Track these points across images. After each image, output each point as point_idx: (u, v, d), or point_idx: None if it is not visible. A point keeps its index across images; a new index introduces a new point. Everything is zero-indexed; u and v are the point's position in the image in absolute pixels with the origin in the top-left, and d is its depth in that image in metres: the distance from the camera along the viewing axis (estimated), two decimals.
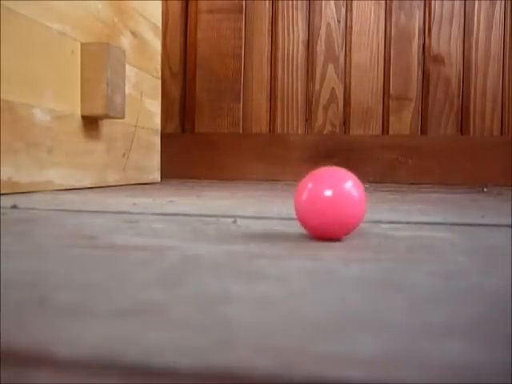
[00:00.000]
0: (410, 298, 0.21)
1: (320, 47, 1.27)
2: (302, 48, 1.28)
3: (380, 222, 0.43)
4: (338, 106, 1.28)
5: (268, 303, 0.20)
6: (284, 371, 0.13)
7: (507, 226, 0.43)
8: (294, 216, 0.48)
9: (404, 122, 1.26)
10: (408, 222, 0.44)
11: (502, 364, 0.14)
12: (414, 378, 0.13)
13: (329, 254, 0.30)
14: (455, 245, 0.34)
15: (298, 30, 1.28)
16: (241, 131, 1.30)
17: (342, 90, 1.27)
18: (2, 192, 0.66)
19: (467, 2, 1.25)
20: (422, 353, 0.15)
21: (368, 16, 1.26)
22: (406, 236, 0.38)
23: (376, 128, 1.26)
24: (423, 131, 1.27)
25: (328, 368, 0.14)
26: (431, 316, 0.18)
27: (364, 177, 1.20)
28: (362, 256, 0.29)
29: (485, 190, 0.99)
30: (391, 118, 1.26)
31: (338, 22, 1.27)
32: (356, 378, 0.13)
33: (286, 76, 1.28)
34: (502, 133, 1.26)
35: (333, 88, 1.27)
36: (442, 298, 0.21)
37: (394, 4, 1.26)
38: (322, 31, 1.27)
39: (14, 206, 0.50)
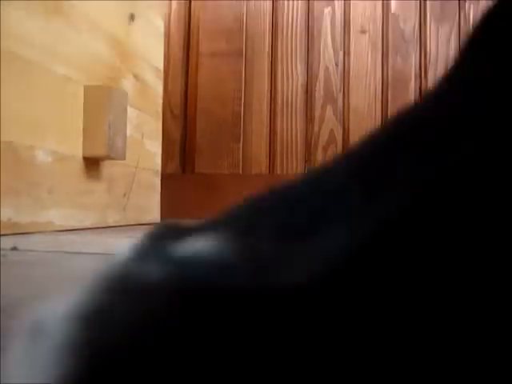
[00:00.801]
0: None
1: (319, 90, 1.29)
2: (300, 91, 1.30)
3: None
4: (336, 147, 1.29)
5: None
6: None
7: None
8: None
9: None
10: None
11: None
12: None
13: None
14: None
15: (297, 74, 1.30)
16: (240, 172, 1.31)
17: (340, 131, 1.29)
18: (2, 233, 0.66)
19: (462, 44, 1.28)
20: None
21: (365, 60, 1.29)
22: None
23: None
24: None
25: None
26: None
27: None
28: None
29: None
30: None
31: (336, 65, 1.29)
32: None
33: (285, 118, 1.30)
34: None
35: (331, 129, 1.29)
36: None
37: (391, 47, 1.29)
38: (321, 75, 1.29)
39: (14, 248, 0.50)
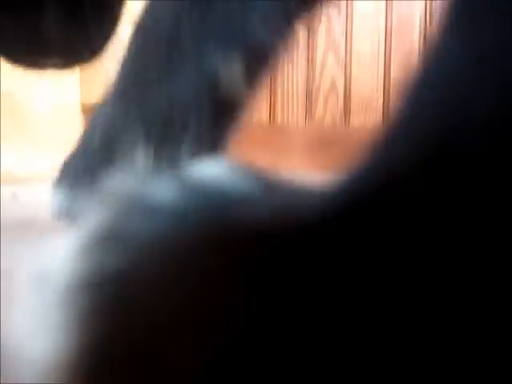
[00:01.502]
0: None
1: (320, 36, 1.27)
2: (301, 37, 1.27)
3: None
4: (338, 95, 1.27)
5: None
6: None
7: None
8: None
9: None
10: None
11: None
12: None
13: None
14: None
15: None
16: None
17: (342, 79, 1.27)
18: (1, 182, 0.66)
19: None
20: None
21: (368, 5, 1.25)
22: None
23: (378, 119, 1.26)
24: None
25: None
26: None
27: None
28: None
29: None
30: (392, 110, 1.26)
31: (339, 10, 1.26)
32: None
33: (285, 65, 1.28)
34: None
35: (333, 77, 1.27)
36: None
37: None
38: (323, 20, 1.26)
39: (14, 196, 0.50)
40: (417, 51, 1.25)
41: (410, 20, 1.25)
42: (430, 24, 1.26)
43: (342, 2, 1.27)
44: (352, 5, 1.27)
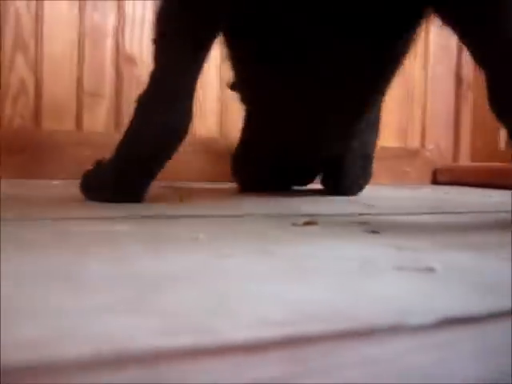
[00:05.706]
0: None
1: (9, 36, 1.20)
2: None
3: None
4: (28, 97, 1.22)
5: None
6: None
7: None
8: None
9: (99, 118, 1.27)
10: None
11: None
12: None
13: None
14: None
15: None
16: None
17: (32, 79, 1.22)
18: None
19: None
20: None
21: (61, 12, 1.23)
22: None
23: (70, 124, 1.25)
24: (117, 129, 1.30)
25: None
26: None
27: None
28: None
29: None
30: (85, 115, 1.26)
31: (28, 11, 1.21)
32: None
33: None
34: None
35: (22, 78, 1.21)
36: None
37: (88, 4, 1.26)
38: (11, 20, 1.19)
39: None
40: (109, 60, 1.27)
41: (103, 30, 1.27)
42: (122, 36, 1.30)
43: (31, 2, 1.22)
44: (43, 5, 1.23)
